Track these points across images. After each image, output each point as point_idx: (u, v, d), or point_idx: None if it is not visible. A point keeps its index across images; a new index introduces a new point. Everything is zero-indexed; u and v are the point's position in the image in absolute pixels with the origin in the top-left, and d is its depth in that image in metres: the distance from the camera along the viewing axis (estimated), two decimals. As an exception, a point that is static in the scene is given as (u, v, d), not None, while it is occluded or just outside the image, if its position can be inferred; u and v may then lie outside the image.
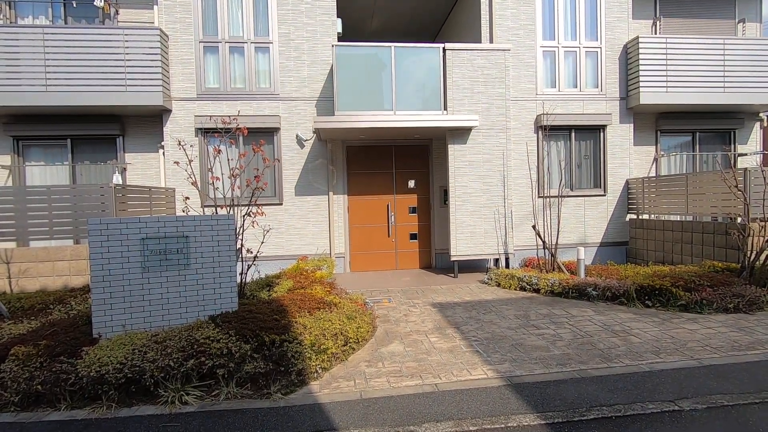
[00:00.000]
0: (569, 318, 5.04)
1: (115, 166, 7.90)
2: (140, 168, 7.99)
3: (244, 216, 4.87)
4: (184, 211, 4.90)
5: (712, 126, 9.06)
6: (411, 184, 8.56)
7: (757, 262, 5.51)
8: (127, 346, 3.48)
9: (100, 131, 7.82)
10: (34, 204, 6.08)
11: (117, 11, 7.91)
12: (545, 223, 7.11)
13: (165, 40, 7.47)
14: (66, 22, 7.85)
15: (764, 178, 5.74)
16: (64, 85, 7.03)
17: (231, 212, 4.74)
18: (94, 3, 7.48)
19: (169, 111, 7.64)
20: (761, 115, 9.16)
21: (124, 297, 3.84)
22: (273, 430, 2.88)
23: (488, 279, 7.04)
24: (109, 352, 3.40)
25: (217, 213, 4.66)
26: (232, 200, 4.94)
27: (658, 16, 8.99)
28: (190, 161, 4.96)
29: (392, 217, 8.48)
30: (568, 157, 8.47)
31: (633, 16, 8.60)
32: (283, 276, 6.05)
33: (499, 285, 6.77)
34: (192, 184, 4.81)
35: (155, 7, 7.69)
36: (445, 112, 7.37)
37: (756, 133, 9.27)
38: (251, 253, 5.13)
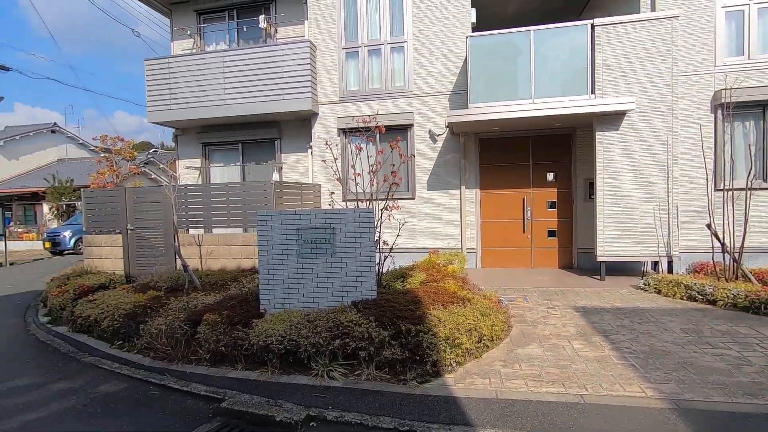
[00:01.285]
0: (762, 339, 4.10)
1: (274, 166, 9.11)
2: (293, 166, 9.06)
3: (381, 210, 5.14)
4: (330, 205, 5.40)
5: None
6: (550, 177, 7.95)
7: None
8: (285, 321, 3.99)
9: (264, 136, 9.10)
10: (216, 198, 7.39)
11: (276, 30, 9.06)
12: (725, 222, 5.88)
13: (313, 50, 8.29)
14: (238, 45, 9.31)
15: None
16: (238, 99, 8.36)
17: (370, 206, 5.05)
18: (259, 25, 8.71)
19: (316, 114, 8.48)
20: None
21: (283, 279, 4.42)
22: (409, 415, 2.99)
23: (645, 284, 6.14)
24: (273, 325, 3.95)
25: (358, 207, 5.02)
26: (371, 195, 5.25)
27: None
28: (335, 159, 5.43)
29: (528, 212, 8.00)
30: (761, 140, 6.84)
31: None
32: (416, 268, 6.22)
33: (659, 292, 5.85)
34: (337, 180, 5.26)
35: (306, 21, 8.59)
36: (592, 96, 6.63)
37: None
38: (387, 245, 5.40)
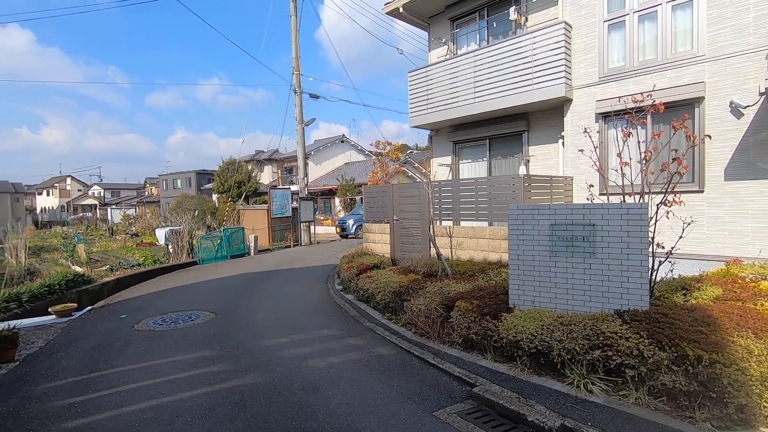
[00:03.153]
0: None
1: (521, 159, 8.91)
2: (541, 159, 8.62)
3: (658, 204, 4.27)
4: (588, 199, 4.86)
5: None
6: None
7: None
8: (536, 320, 3.84)
9: (511, 129, 9.01)
10: (465, 192, 7.79)
11: (526, 19, 8.77)
12: None
13: (568, 32, 7.61)
14: (488, 42, 9.49)
15: None
16: (487, 96, 8.55)
17: (641, 200, 4.27)
18: (510, 17, 8.63)
19: (569, 101, 7.78)
20: None
21: (534, 276, 4.26)
22: (703, 464, 2.38)
23: None
24: (522, 322, 3.87)
25: (624, 201, 4.33)
26: (642, 187, 4.43)
27: None
28: (595, 147, 4.83)
29: None
30: None
31: None
32: (706, 280, 4.90)
33: None
34: (597, 171, 4.67)
35: (560, 2, 7.96)
36: None
37: None
38: (663, 248, 4.45)
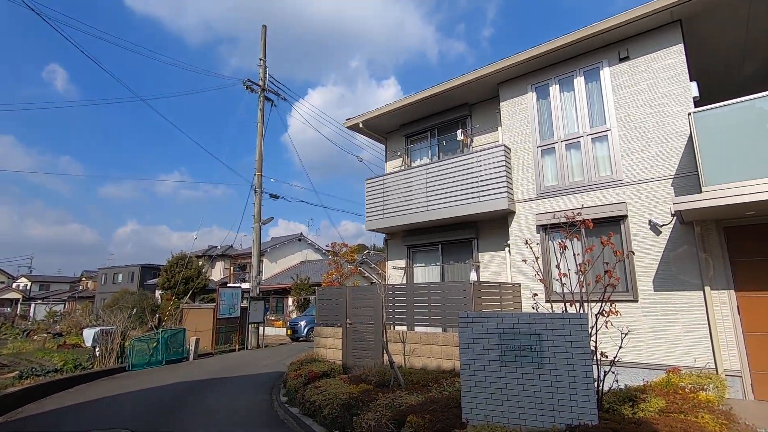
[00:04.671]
0: None
1: (471, 265, 9.26)
2: (491, 265, 9.02)
3: (596, 315, 4.50)
4: (533, 308, 5.04)
5: None
6: None
7: None
8: (490, 438, 3.67)
9: (461, 236, 9.51)
10: (418, 297, 7.84)
11: (471, 140, 9.88)
12: None
13: (508, 153, 8.60)
14: (439, 158, 10.45)
15: None
16: (438, 205, 9.15)
17: (581, 309, 4.49)
18: (457, 138, 9.69)
19: (513, 213, 8.47)
20: None
21: (485, 387, 4.17)
22: None
23: None
24: (476, 440, 3.68)
25: (566, 310, 4.53)
26: (581, 297, 4.69)
27: None
28: (536, 258, 5.17)
29: (827, 324, 5.66)
30: None
31: None
32: (650, 391, 5.00)
33: None
34: (540, 281, 4.94)
35: (499, 128, 9.13)
36: None
37: None
38: (606, 357, 4.58)
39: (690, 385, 5.17)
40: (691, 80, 6.98)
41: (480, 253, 9.26)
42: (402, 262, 10.60)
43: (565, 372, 3.90)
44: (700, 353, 6.22)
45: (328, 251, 18.27)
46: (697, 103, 6.90)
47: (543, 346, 4.02)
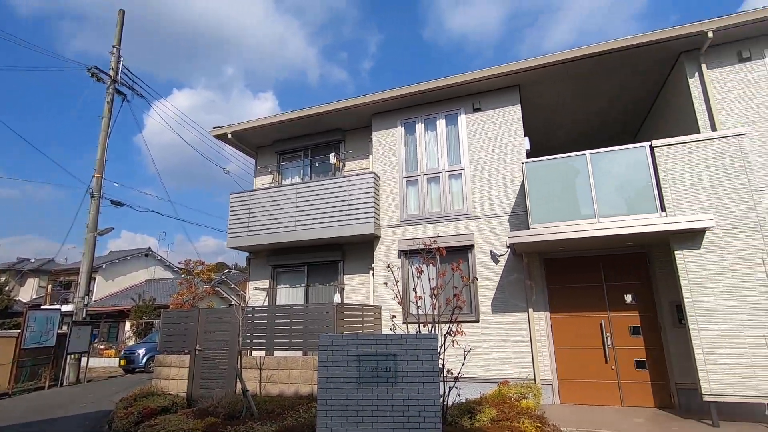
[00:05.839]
0: None
1: (336, 287, 9.33)
2: (355, 287, 9.21)
3: (445, 335, 4.92)
4: (391, 329, 5.28)
5: None
6: (628, 299, 7.30)
7: None
8: (342, 463, 3.64)
9: (328, 258, 9.54)
10: (280, 320, 7.54)
11: (344, 164, 10.14)
12: None
13: (377, 181, 9.05)
14: (311, 179, 10.43)
15: None
16: (307, 225, 9.07)
17: (432, 330, 4.86)
18: (330, 161, 9.84)
19: (378, 237, 8.87)
20: None
21: (341, 410, 4.16)
22: None
23: (775, 435, 4.98)
24: (328, 466, 3.61)
25: (419, 331, 4.85)
26: (433, 318, 5.09)
27: None
28: (396, 281, 5.47)
29: (608, 338, 7.20)
30: None
31: None
32: (485, 402, 5.62)
33: (797, 447, 4.68)
34: (398, 303, 5.21)
35: (370, 156, 9.58)
36: (663, 213, 6.38)
37: None
38: (452, 373, 5.02)
39: (515, 395, 5.98)
40: (525, 135, 8.41)
41: (345, 276, 9.41)
42: (265, 283, 10.12)
43: (416, 390, 4.13)
44: (524, 366, 7.28)
45: (181, 269, 16.42)
46: (529, 154, 8.32)
47: (398, 366, 4.21)
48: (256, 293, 10.09)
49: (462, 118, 8.86)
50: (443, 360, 4.87)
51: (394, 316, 5.71)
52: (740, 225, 6.02)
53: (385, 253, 8.74)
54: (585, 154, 7.02)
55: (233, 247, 9.94)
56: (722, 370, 5.67)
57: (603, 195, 6.77)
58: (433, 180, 8.84)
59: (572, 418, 6.17)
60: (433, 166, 8.90)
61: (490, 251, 7.98)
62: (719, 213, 6.12)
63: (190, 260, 14.33)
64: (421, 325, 5.16)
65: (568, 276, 7.66)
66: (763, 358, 5.55)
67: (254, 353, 8.11)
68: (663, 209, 6.41)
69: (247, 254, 10.68)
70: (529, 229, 7.03)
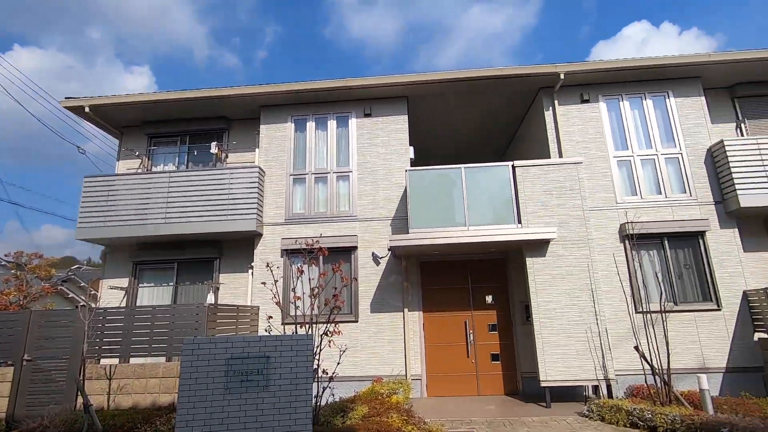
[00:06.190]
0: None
1: (210, 286, 8.67)
2: (231, 287, 8.67)
3: (321, 335, 4.92)
4: (266, 330, 5.10)
5: (840, 227, 7.87)
6: (489, 299, 8.21)
7: None
8: (201, 475, 3.38)
9: (203, 255, 8.81)
10: (140, 323, 6.71)
11: (227, 155, 9.50)
12: (649, 343, 6.22)
13: (262, 175, 8.66)
14: (188, 167, 9.53)
15: None
16: (180, 218, 8.24)
17: (310, 331, 4.83)
18: (210, 150, 9.12)
19: (260, 235, 8.50)
20: None
21: (204, 420, 3.87)
22: None
23: (588, 411, 6.07)
24: (185, 481, 3.32)
25: (296, 332, 4.77)
26: (312, 318, 5.06)
27: (741, 118, 8.70)
28: (276, 281, 5.30)
29: (470, 335, 8.00)
30: (665, 267, 7.71)
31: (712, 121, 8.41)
32: (358, 400, 5.77)
33: (603, 419, 5.78)
34: (276, 303, 5.06)
35: (256, 150, 9.14)
36: (519, 225, 7.33)
37: None
38: (327, 374, 5.04)
39: (387, 391, 6.26)
40: (411, 144, 8.90)
41: (222, 274, 8.80)
42: (125, 282, 8.91)
43: (288, 392, 4.05)
44: (397, 363, 7.66)
45: (10, 263, 13.57)
46: (413, 163, 8.82)
47: (270, 369, 4.07)
48: (110, 293, 8.82)
49: (353, 122, 9.00)
50: (318, 360, 4.87)
51: (270, 317, 5.52)
52: (575, 238, 7.22)
53: (267, 251, 8.41)
54: (461, 168, 7.71)
55: (84, 239, 8.55)
56: (555, 360, 6.72)
57: (473, 205, 7.51)
58: (321, 180, 8.80)
59: (436, 408, 6.70)
60: (322, 166, 8.86)
61: (372, 253, 8.23)
62: (561, 227, 7.27)
63: (23, 252, 11.87)
64: (299, 326, 5.09)
65: (440, 278, 8.30)
66: (583, 348, 6.73)
67: (105, 361, 7.08)
68: (519, 221, 7.37)
69: (102, 248, 9.29)
70: (408, 233, 7.45)
